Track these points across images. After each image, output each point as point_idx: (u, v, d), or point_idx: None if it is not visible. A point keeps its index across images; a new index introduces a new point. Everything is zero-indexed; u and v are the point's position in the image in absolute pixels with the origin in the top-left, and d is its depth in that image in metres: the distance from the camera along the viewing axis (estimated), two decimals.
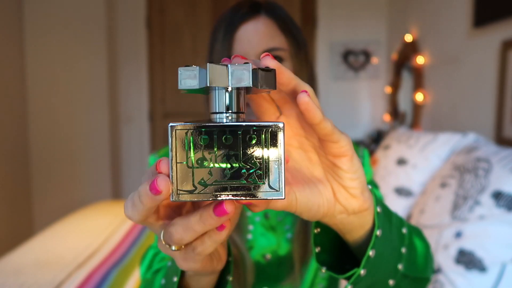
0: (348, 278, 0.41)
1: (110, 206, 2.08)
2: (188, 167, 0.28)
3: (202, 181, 0.29)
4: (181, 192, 0.28)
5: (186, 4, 3.17)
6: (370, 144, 2.90)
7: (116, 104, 3.14)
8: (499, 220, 1.05)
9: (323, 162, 0.36)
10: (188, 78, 0.28)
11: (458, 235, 1.11)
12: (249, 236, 0.70)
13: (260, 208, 0.33)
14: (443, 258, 1.10)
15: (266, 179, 0.29)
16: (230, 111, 0.31)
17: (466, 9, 1.84)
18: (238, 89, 0.31)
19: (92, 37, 2.88)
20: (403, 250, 0.43)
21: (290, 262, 0.70)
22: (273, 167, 0.29)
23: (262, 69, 0.29)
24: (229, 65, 0.28)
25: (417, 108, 2.41)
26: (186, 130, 0.28)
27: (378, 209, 0.39)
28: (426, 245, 0.51)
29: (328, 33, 3.14)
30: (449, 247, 1.11)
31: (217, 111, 0.31)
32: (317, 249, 0.42)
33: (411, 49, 2.50)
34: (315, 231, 0.42)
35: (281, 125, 0.29)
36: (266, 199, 0.29)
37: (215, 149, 0.29)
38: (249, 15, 0.67)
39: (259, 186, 0.29)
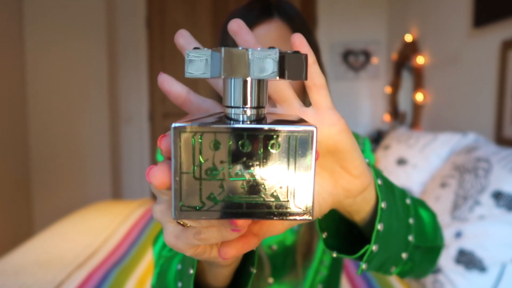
0: (360, 258, 0.40)
1: (110, 206, 2.08)
2: (195, 178, 0.23)
3: (212, 196, 0.23)
4: (185, 208, 0.23)
5: (186, 4, 3.17)
6: (370, 144, 2.90)
7: (116, 104, 3.14)
8: (499, 220, 1.05)
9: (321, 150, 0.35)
10: (197, 64, 0.23)
11: (458, 235, 1.11)
12: None
13: (251, 246, 0.29)
14: (443, 258, 1.10)
15: (291, 196, 0.24)
16: (248, 106, 0.25)
17: (466, 9, 1.84)
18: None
19: (92, 37, 2.88)
20: (411, 221, 0.43)
21: (295, 253, 0.71)
22: (300, 181, 0.24)
23: (291, 54, 0.23)
24: (250, 49, 0.22)
25: (417, 108, 2.41)
26: (194, 133, 0.23)
27: (379, 182, 0.38)
28: (432, 214, 0.50)
29: (328, 33, 3.14)
30: (449, 247, 1.10)
31: (232, 104, 0.25)
32: (324, 235, 0.42)
33: (411, 49, 2.50)
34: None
35: (313, 129, 0.23)
36: (291, 220, 0.24)
37: (229, 157, 0.23)
38: (262, 17, 0.63)
39: (281, 205, 0.24)
